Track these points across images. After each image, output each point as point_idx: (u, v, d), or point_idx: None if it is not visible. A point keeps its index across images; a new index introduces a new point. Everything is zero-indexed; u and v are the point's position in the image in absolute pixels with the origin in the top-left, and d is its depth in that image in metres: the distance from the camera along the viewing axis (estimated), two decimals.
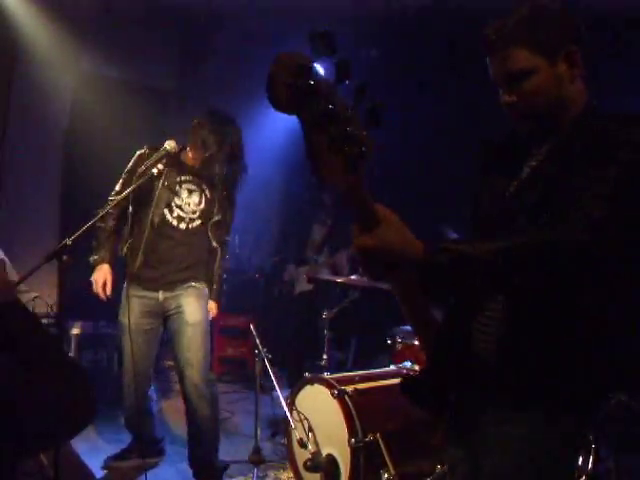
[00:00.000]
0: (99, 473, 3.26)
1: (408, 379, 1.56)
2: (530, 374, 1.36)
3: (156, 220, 3.20)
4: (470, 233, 1.62)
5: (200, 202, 3.30)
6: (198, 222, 3.29)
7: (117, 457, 3.42)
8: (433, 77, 4.77)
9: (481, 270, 1.23)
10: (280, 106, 1.03)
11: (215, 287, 3.38)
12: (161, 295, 3.23)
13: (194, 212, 3.28)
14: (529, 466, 1.37)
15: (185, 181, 3.29)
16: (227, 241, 3.49)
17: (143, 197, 3.20)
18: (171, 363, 4.45)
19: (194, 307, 3.21)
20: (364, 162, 1.05)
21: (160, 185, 3.20)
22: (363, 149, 1.03)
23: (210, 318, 3.35)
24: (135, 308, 3.17)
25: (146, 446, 3.42)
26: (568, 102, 1.42)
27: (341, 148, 1.02)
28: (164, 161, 3.08)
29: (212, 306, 3.38)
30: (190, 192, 3.29)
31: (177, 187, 3.25)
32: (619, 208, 1.23)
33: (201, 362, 3.17)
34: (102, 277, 3.19)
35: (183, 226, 3.25)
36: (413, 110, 4.99)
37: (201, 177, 3.32)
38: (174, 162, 3.25)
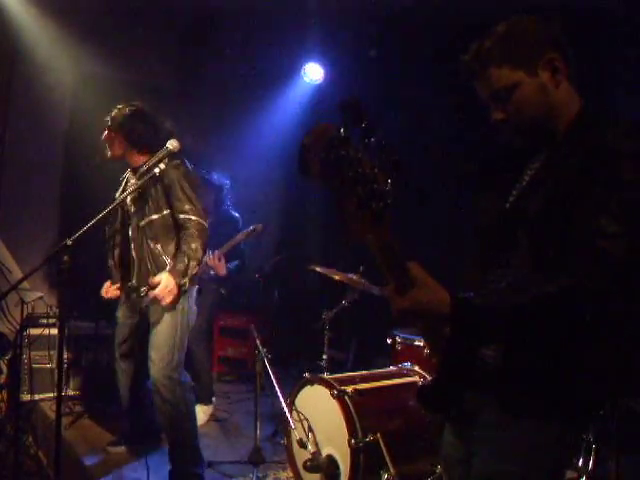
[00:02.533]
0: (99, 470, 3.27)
1: (422, 388, 1.57)
2: (527, 380, 1.36)
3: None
4: (470, 248, 1.63)
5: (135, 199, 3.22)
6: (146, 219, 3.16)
7: (112, 443, 3.62)
8: (433, 78, 4.77)
9: (504, 327, 1.31)
10: (312, 177, 1.07)
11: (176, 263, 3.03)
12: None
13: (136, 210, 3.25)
14: (515, 469, 1.38)
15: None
16: (188, 217, 3.06)
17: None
18: None
19: (156, 306, 3.08)
20: (389, 212, 1.11)
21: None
22: (388, 201, 1.09)
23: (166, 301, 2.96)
24: (124, 302, 3.36)
25: (142, 434, 3.57)
26: (558, 108, 1.43)
27: (369, 205, 1.08)
28: (166, 161, 3.07)
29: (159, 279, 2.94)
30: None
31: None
32: (631, 244, 1.24)
33: (160, 360, 3.03)
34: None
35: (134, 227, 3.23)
36: (412, 110, 4.99)
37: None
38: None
